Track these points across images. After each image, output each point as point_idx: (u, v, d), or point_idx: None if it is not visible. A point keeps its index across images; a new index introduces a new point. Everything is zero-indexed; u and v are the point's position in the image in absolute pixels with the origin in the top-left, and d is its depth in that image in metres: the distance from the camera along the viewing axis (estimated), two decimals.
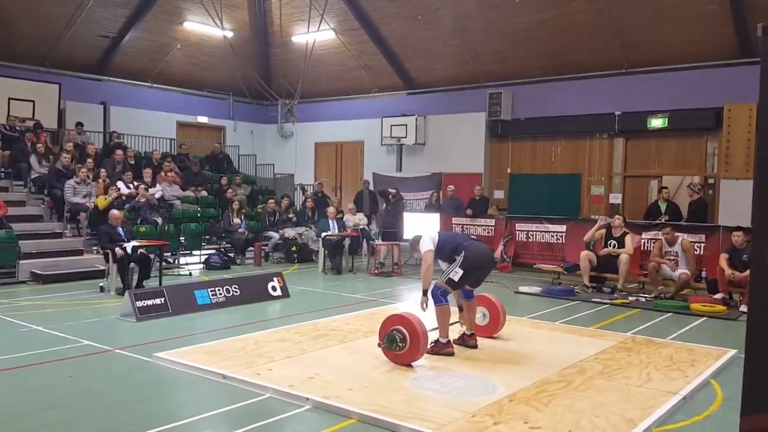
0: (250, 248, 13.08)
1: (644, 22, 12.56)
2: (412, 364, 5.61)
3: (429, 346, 6.00)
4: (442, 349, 6.02)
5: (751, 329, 2.67)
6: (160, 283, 9.24)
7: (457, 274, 6.02)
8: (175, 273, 11.44)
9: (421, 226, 12.03)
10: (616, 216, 10.61)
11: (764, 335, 2.64)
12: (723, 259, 9.06)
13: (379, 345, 5.74)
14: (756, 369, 2.66)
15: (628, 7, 12.45)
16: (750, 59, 11.73)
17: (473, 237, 6.51)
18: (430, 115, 16.17)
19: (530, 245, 12.73)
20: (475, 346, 6.30)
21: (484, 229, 13.38)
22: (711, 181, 12.79)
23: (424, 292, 5.99)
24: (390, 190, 14.17)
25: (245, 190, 15.28)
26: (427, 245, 6.20)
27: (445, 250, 6.22)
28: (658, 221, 11.25)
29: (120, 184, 12.47)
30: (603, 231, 10.42)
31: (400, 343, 5.57)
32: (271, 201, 14.19)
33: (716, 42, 12.24)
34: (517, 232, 12.87)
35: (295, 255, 13.36)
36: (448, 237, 6.51)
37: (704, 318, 8.30)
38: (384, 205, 14.41)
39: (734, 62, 12.15)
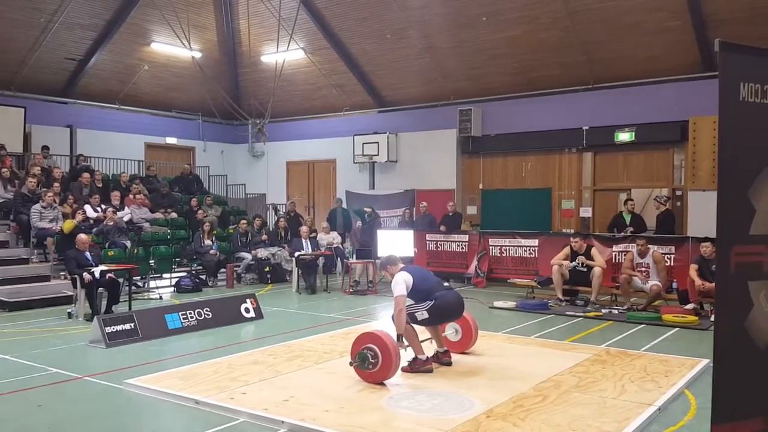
0: (222, 270, 12.92)
1: (609, 39, 12.82)
2: (387, 382, 5.56)
3: (408, 365, 5.97)
4: (421, 366, 5.99)
5: (718, 339, 2.70)
6: (130, 308, 9.07)
7: (422, 315, 6.01)
8: (146, 297, 11.24)
9: (395, 244, 12.06)
10: (572, 240, 10.65)
11: (731, 345, 2.67)
12: (693, 270, 9.20)
13: (351, 364, 5.69)
14: (724, 378, 2.69)
15: (593, 25, 12.70)
16: (713, 73, 12.02)
17: (446, 284, 6.37)
18: (401, 133, 16.24)
19: (504, 260, 12.80)
20: (449, 363, 6.27)
21: (458, 245, 13.41)
22: (679, 192, 13.02)
23: (399, 338, 5.85)
24: (366, 209, 14.15)
25: (216, 211, 15.12)
26: (400, 289, 6.00)
27: (418, 295, 6.13)
28: (624, 233, 11.40)
29: (87, 207, 12.27)
30: (568, 251, 10.49)
31: (372, 360, 5.54)
32: (243, 221, 14.06)
33: (679, 56, 12.53)
34: (491, 247, 12.93)
35: (269, 275, 13.22)
36: (422, 280, 6.20)
37: (676, 328, 8.39)
38: (360, 223, 14.38)
39: (698, 76, 12.44)
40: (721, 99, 2.54)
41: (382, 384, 5.55)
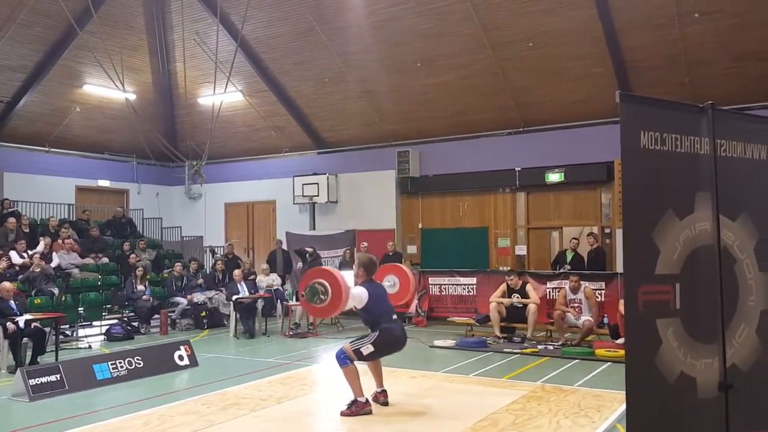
0: (156, 316, 12.54)
1: (537, 84, 13.35)
2: (326, 428, 5.49)
3: (347, 408, 5.94)
4: (361, 408, 5.95)
5: (629, 377, 2.78)
6: (57, 359, 8.69)
7: (367, 349, 5.99)
8: (74, 346, 10.80)
9: None
10: (507, 278, 10.90)
11: (642, 382, 2.77)
12: (622, 305, 9.50)
13: (302, 296, 5.76)
14: (638, 415, 2.78)
15: (521, 71, 13.22)
16: None
17: (395, 317, 6.30)
18: (341, 174, 16.34)
19: (443, 298, 12.92)
20: (386, 404, 6.26)
21: None
22: (607, 230, 13.51)
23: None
24: (307, 248, 14.06)
25: (150, 255, 14.74)
26: (353, 301, 5.98)
27: (367, 317, 6.15)
28: (561, 271, 11.72)
29: (13, 254, 11.78)
30: (504, 288, 10.72)
31: (321, 295, 5.62)
32: (178, 265, 13.75)
33: (604, 101, 13.05)
34: (431, 285, 13.05)
35: (205, 320, 12.91)
36: (376, 303, 6.13)
37: (609, 363, 8.62)
38: (300, 264, 14.25)
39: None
40: (623, 147, 2.70)
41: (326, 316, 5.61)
